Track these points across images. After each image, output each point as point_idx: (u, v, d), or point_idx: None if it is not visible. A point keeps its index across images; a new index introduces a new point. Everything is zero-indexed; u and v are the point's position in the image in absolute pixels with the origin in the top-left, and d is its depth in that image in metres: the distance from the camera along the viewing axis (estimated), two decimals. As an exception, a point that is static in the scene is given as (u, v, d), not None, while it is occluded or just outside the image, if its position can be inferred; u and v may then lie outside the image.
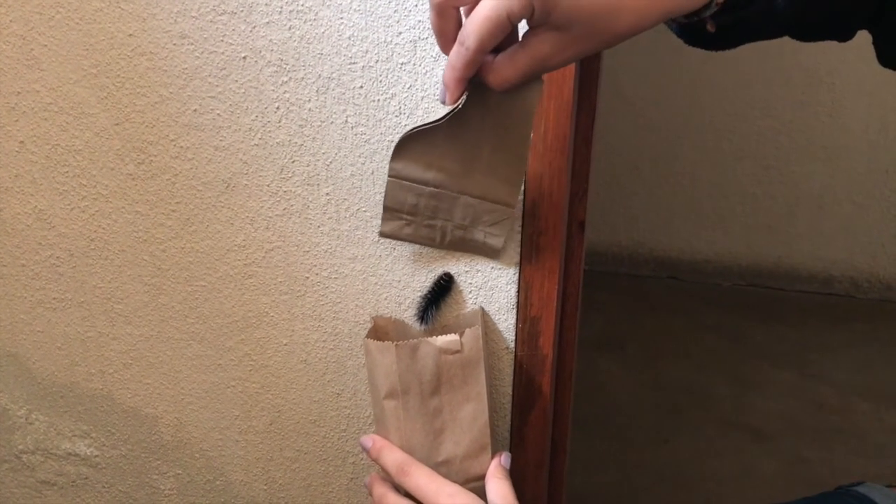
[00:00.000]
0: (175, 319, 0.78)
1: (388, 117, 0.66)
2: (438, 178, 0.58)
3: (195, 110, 0.69)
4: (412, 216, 0.60)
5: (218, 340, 0.78)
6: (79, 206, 0.75)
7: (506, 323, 0.71)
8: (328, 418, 0.79)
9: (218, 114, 0.69)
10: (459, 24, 0.50)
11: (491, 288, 0.70)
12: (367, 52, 0.64)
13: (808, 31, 0.54)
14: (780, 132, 2.27)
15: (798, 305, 2.32)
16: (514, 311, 0.70)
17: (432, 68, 0.63)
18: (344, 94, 0.66)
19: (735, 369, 2.01)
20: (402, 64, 0.64)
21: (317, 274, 0.73)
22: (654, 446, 1.74)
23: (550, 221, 0.66)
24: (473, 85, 0.52)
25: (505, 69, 0.49)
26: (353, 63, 0.64)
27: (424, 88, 0.64)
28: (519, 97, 0.55)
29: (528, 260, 0.68)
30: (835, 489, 0.82)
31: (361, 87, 0.65)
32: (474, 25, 0.46)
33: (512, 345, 0.72)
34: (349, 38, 0.64)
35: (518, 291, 0.69)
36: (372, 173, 0.68)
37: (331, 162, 0.68)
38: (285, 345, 0.77)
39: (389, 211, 0.60)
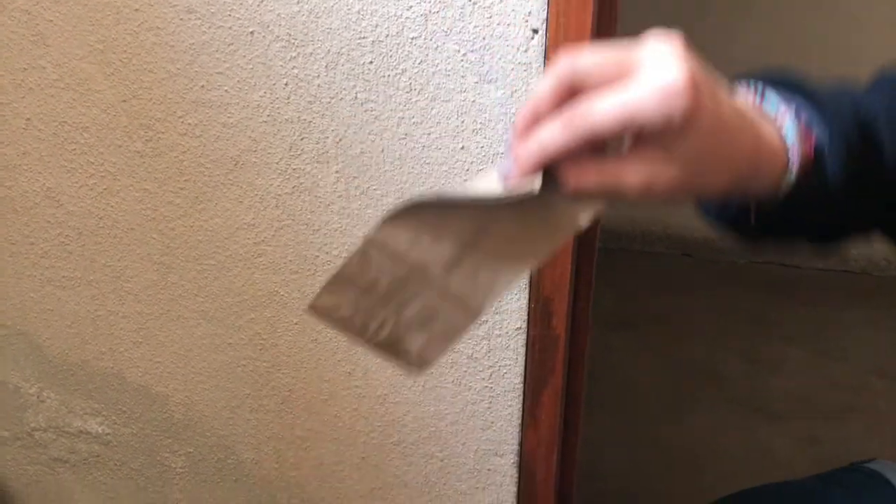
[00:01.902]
0: (184, 298, 0.78)
1: (399, 93, 0.64)
2: (419, 260, 0.49)
3: (203, 86, 0.68)
4: (361, 295, 0.50)
5: (228, 319, 0.78)
6: (87, 183, 0.74)
7: (518, 303, 0.70)
8: (339, 397, 0.79)
9: (226, 90, 0.67)
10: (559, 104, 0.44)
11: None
12: (376, 26, 0.62)
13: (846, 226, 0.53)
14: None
15: (814, 283, 2.30)
16: (527, 290, 0.69)
17: (443, 42, 0.62)
18: (353, 69, 0.64)
19: (749, 347, 1.99)
20: (412, 39, 0.62)
21: (327, 253, 0.72)
22: (667, 425, 1.74)
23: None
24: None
25: (588, 173, 0.43)
26: (363, 38, 0.63)
27: (435, 63, 0.63)
28: (566, 210, 0.46)
29: (540, 239, 0.66)
30: (848, 465, 0.81)
31: (371, 62, 0.64)
32: (606, 108, 0.41)
33: (524, 324, 0.71)
34: (358, 12, 0.62)
35: (530, 279, 0.68)
36: (382, 151, 0.66)
37: (340, 139, 0.67)
38: (296, 324, 0.76)
39: (341, 280, 0.49)
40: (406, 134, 0.65)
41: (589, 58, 0.42)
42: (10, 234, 0.79)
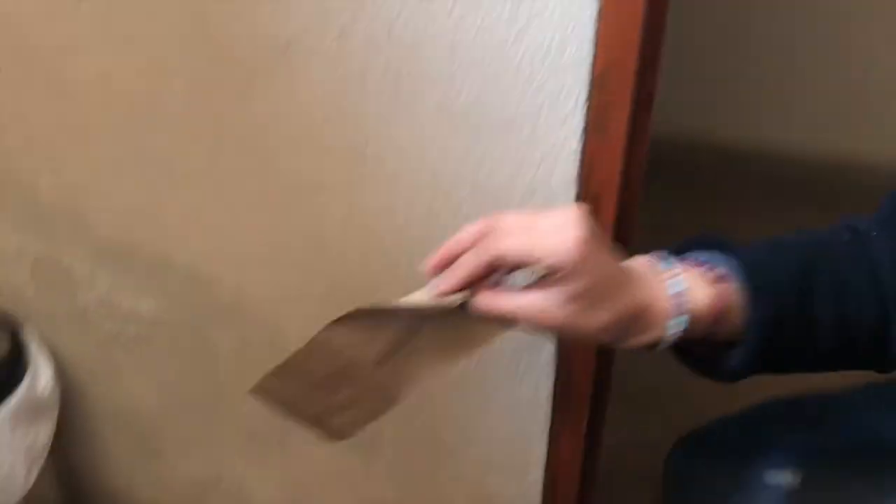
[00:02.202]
0: (233, 184, 0.79)
1: (454, -24, 0.62)
2: (353, 357, 0.56)
3: (254, -34, 0.66)
4: (298, 380, 0.57)
5: (275, 206, 0.79)
6: (137, 66, 0.74)
7: (566, 197, 0.69)
8: (385, 289, 0.80)
9: (277, -30, 0.66)
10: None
11: (555, 159, 0.68)
12: None
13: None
14: (852, 16, 2.15)
15: (864, 200, 2.25)
16: (576, 184, 0.68)
17: (502, -77, 0.60)
18: (408, -50, 0.62)
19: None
20: (470, -82, 0.60)
21: (375, 142, 0.72)
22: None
23: (620, 93, 0.63)
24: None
25: (495, 299, 0.54)
26: (419, -84, 0.61)
27: (492, -55, 0.61)
28: (481, 329, 0.56)
29: (594, 130, 0.65)
30: (864, 384, 0.81)
31: (426, -58, 0.62)
32: (511, 242, 0.52)
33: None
34: None
35: (581, 165, 0.68)
36: (433, 38, 0.65)
37: (391, 25, 0.66)
38: (342, 214, 0.77)
39: (285, 370, 0.56)
40: (460, 17, 0.64)
41: (508, 216, 0.54)
42: (62, 117, 0.79)
